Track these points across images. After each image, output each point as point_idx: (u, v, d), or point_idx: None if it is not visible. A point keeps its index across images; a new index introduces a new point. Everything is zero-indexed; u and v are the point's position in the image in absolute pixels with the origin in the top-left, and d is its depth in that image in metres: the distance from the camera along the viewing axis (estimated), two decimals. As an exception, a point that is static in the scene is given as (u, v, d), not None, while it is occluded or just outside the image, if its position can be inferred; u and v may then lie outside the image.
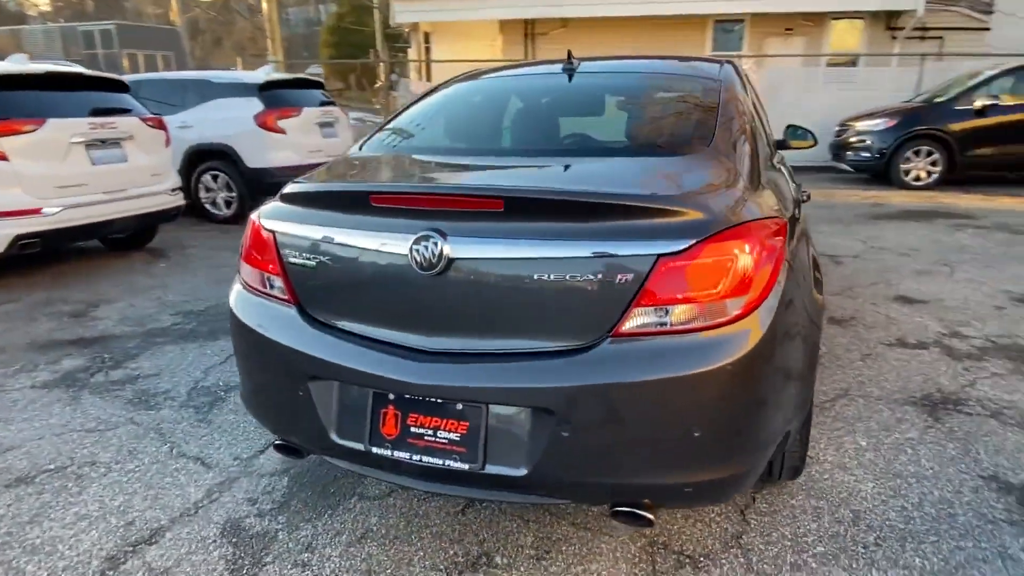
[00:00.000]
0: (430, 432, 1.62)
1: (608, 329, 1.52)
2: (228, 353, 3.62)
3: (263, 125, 7.27)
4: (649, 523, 1.59)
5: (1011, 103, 8.59)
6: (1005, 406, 2.87)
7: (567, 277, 1.51)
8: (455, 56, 13.94)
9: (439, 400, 1.60)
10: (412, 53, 15.75)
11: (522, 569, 1.94)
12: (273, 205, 1.93)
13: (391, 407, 1.66)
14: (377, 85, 14.19)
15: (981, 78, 8.97)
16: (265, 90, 7.44)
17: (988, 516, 2.14)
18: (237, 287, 2.03)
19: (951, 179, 8.90)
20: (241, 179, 7.33)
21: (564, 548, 2.03)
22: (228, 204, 7.51)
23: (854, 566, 1.93)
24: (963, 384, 3.10)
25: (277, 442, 1.97)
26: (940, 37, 12.54)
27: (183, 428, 2.82)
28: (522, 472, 1.55)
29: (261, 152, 7.28)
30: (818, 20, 12.97)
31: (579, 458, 1.53)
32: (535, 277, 1.53)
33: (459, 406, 1.59)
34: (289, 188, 1.92)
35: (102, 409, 2.99)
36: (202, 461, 2.56)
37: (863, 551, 1.99)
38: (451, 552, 2.02)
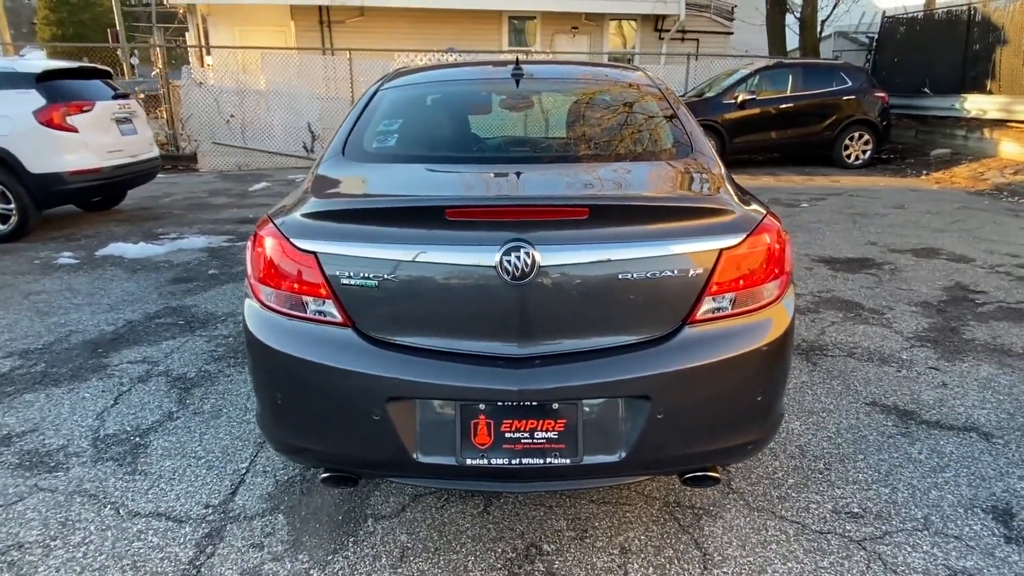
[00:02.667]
0: (527, 435, 1.67)
1: (685, 317, 1.71)
2: (115, 393, 3.15)
3: (48, 123, 6.14)
4: (717, 482, 1.82)
5: (763, 97, 10.35)
6: (853, 346, 3.62)
7: (648, 275, 1.67)
8: (238, 42, 12.87)
9: (535, 403, 1.66)
10: (190, 37, 14.17)
11: (572, 550, 2.07)
12: (306, 223, 1.76)
13: (482, 416, 1.67)
14: (154, 73, 12.56)
15: (738, 76, 10.66)
16: (44, 81, 6.28)
17: (887, 433, 2.74)
18: (258, 312, 1.83)
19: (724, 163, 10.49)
20: (23, 188, 6.13)
21: (597, 524, 2.19)
22: (4, 219, 6.24)
23: (821, 488, 2.36)
24: (817, 333, 3.83)
25: (326, 475, 1.84)
26: (696, 39, 14.57)
27: (115, 485, 2.43)
28: (619, 457, 1.69)
29: (48, 155, 6.15)
30: (599, 20, 14.27)
31: (672, 435, 1.70)
32: (619, 277, 1.66)
33: (555, 405, 1.66)
34: (330, 206, 1.79)
35: (-16, 481, 2.45)
36: (167, 517, 2.25)
37: (820, 475, 2.44)
38: (499, 551, 2.07)
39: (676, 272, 1.68)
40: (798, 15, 13.81)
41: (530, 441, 1.67)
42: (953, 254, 5.51)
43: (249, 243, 1.91)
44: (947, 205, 7.77)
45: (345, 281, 1.71)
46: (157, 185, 9.22)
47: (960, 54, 10.95)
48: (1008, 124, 9.87)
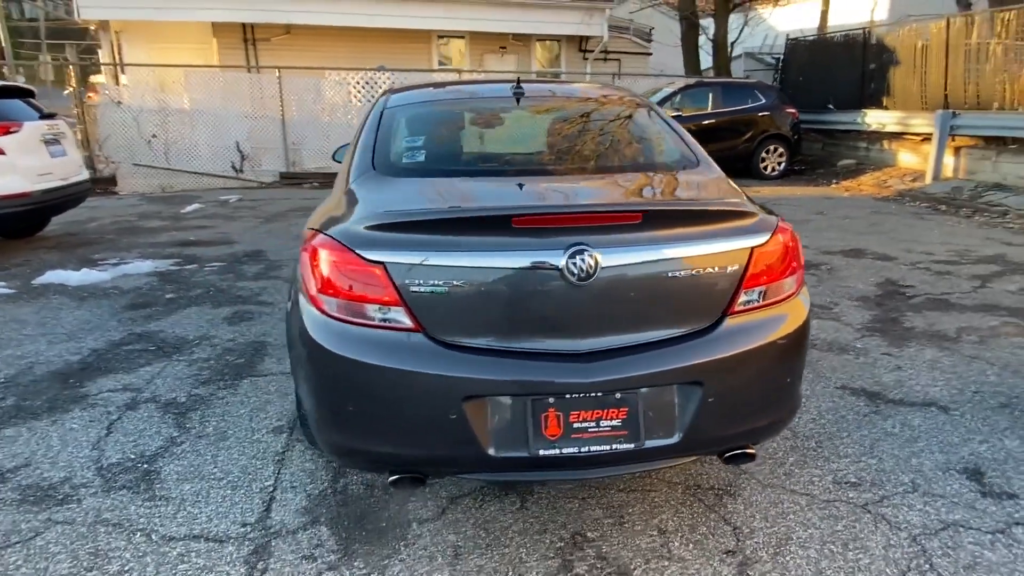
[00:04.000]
0: (593, 424, 1.80)
1: (725, 309, 1.90)
2: (105, 422, 3.03)
3: (-28, 145, 5.76)
4: (754, 458, 2.01)
5: (688, 114, 10.97)
6: (813, 338, 3.96)
7: (693, 272, 1.85)
8: (156, 60, 12.36)
9: (599, 394, 1.80)
10: (103, 55, 13.45)
11: (615, 535, 2.20)
12: (372, 235, 1.82)
13: (551, 410, 1.79)
14: (66, 92, 11.83)
15: (663, 94, 11.25)
16: (-36, 100, 5.89)
17: (861, 412, 3.05)
18: (322, 322, 1.87)
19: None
20: (-55, 214, 5.71)
21: (631, 510, 2.34)
22: (-79, 248, 5.77)
23: (818, 463, 2.61)
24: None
25: (396, 477, 1.90)
26: (619, 59, 15.23)
27: (138, 512, 2.36)
28: (676, 439, 1.84)
29: (-28, 179, 5.76)
30: (526, 41, 14.67)
31: (720, 417, 1.88)
32: (668, 275, 1.83)
33: (618, 395, 1.80)
34: (396, 217, 1.86)
35: (-11, 520, 2.32)
36: (205, 538, 2.22)
37: (815, 452, 2.70)
38: (547, 541, 2.18)
39: (717, 269, 1.87)
40: (711, 37, 14.71)
41: (597, 430, 1.80)
42: (877, 254, 6.08)
43: (305, 256, 1.95)
44: (861, 211, 8.51)
45: (415, 289, 1.79)
46: (78, 209, 8.72)
47: (858, 73, 12.02)
48: (904, 136, 10.93)
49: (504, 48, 14.56)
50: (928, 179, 9.67)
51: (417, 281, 1.79)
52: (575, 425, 1.80)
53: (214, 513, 2.35)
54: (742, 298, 1.91)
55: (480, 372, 1.77)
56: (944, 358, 3.65)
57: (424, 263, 1.78)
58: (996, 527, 2.22)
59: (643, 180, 2.26)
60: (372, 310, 1.82)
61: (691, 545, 2.15)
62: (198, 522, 2.31)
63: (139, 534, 2.24)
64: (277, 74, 11.79)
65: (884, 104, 11.46)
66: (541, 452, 1.79)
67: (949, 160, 9.51)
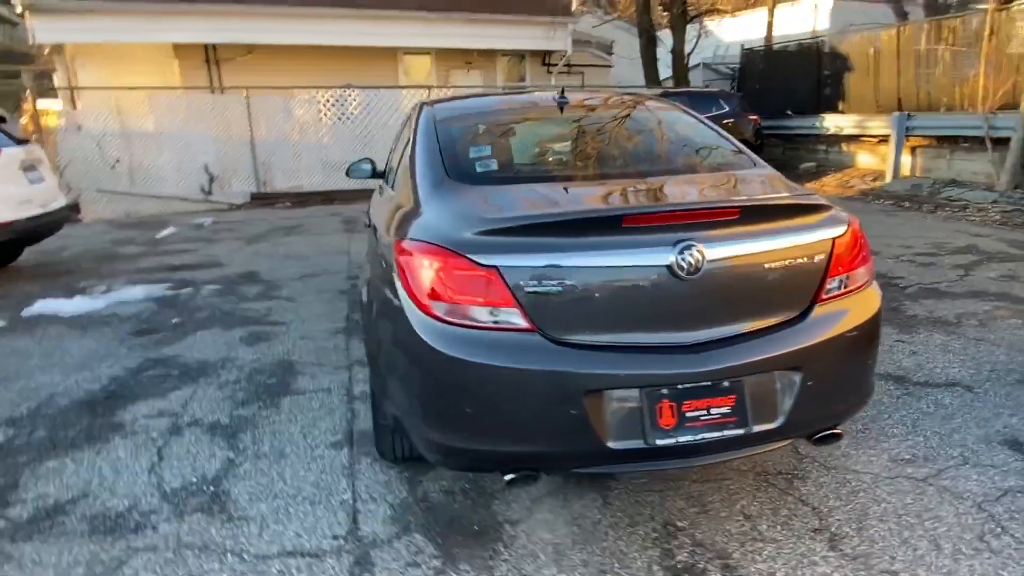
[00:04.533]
0: (704, 412, 1.88)
1: (813, 297, 2.01)
2: (152, 449, 2.96)
3: (-49, 173, 5.53)
4: (841, 437, 2.12)
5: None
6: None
7: (787, 262, 1.96)
8: (115, 82, 12.00)
9: (709, 383, 1.88)
10: (59, 78, 12.99)
11: (703, 522, 2.28)
12: (483, 240, 1.87)
13: (665, 400, 1.86)
14: (20, 118, 11.38)
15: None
16: (-62, 127, 5.66)
17: (894, 395, 3.22)
18: (432, 327, 1.89)
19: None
20: (-78, 247, 5.45)
21: (711, 499, 2.43)
22: None
23: (870, 444, 2.75)
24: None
25: (512, 476, 1.93)
26: (582, 72, 15.54)
27: (221, 533, 2.33)
28: (779, 423, 1.94)
29: (-49, 209, 5.52)
30: (491, 56, 14.84)
31: (816, 399, 1.98)
32: (764, 266, 1.94)
33: (726, 383, 1.89)
34: (506, 223, 1.91)
35: (63, 554, 2.24)
36: (300, 554, 2.20)
37: (864, 435, 2.84)
38: (642, 532, 2.24)
39: (806, 259, 1.99)
40: (670, 49, 15.15)
41: (708, 418, 1.88)
42: (860, 249, 6.37)
43: (411, 263, 1.98)
44: (831, 210, 8.89)
45: (529, 290, 1.84)
46: (48, 238, 8.42)
47: (814, 80, 12.59)
48: (861, 139, 11.47)
49: (470, 64, 14.70)
50: (888, 178, 10.18)
51: (531, 283, 1.84)
52: (688, 414, 1.87)
53: (301, 529, 2.34)
54: (828, 286, 2.03)
55: (598, 367, 1.83)
56: (953, 342, 3.87)
57: (536, 264, 1.83)
58: (1053, 489, 2.39)
59: (721, 179, 2.37)
60: (486, 313, 1.87)
61: (778, 527, 2.24)
62: (287, 539, 2.29)
63: (230, 555, 2.21)
64: (244, 94, 11.64)
65: (840, 108, 12.02)
66: (658, 442, 1.86)
67: (906, 159, 10.04)
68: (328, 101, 12.28)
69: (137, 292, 5.82)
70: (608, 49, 15.94)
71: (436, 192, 2.28)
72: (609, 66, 16.08)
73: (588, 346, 1.87)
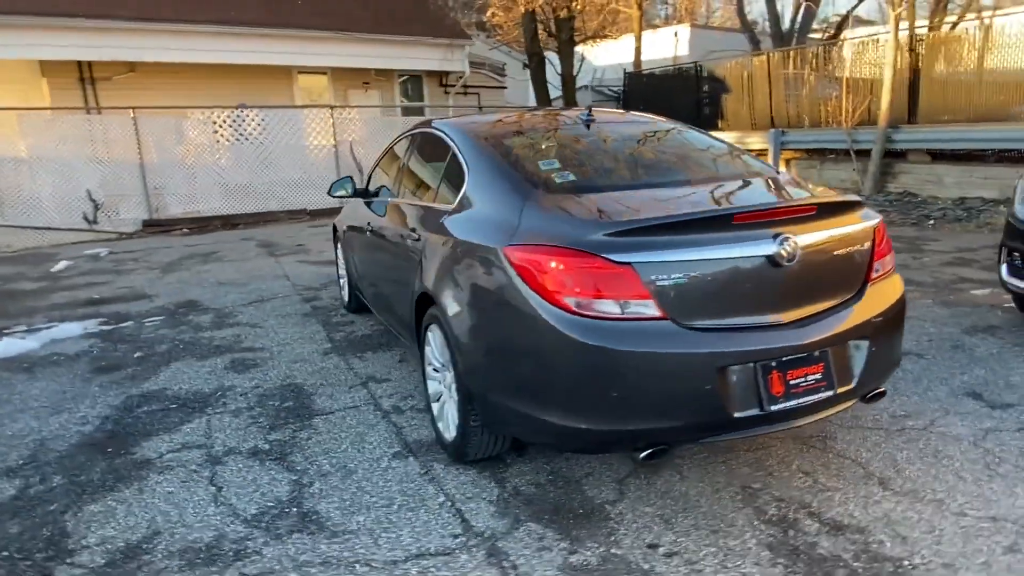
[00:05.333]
0: (802, 379, 2.21)
1: (866, 277, 2.42)
2: (203, 480, 2.85)
3: None
4: (884, 395, 2.54)
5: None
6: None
7: (849, 249, 2.35)
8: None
9: (807, 354, 2.21)
10: None
11: (773, 483, 2.61)
12: (616, 240, 2.08)
13: (775, 372, 2.16)
14: None
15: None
16: None
17: (867, 365, 3.76)
18: (572, 321, 2.07)
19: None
20: None
21: (769, 463, 2.76)
22: None
23: (867, 407, 3.23)
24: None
25: (648, 451, 2.14)
26: (478, 93, 15.96)
27: (332, 548, 2.33)
28: (854, 385, 2.31)
29: None
30: (389, 76, 14.85)
31: (877, 364, 2.37)
32: (836, 252, 2.32)
33: (816, 353, 2.23)
34: (634, 225, 2.13)
35: (173, 587, 2.15)
36: (432, 554, 2.27)
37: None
38: (729, 496, 2.52)
39: (861, 245, 2.39)
40: (559, 72, 15.97)
41: (806, 384, 2.21)
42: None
43: (539, 266, 2.14)
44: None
45: (660, 283, 2.08)
46: (-84, 278, 7.39)
47: (694, 101, 13.85)
48: (740, 153, 12.75)
49: (368, 84, 14.62)
50: (768, 187, 11.42)
51: (660, 276, 2.09)
52: (791, 382, 2.19)
53: (415, 533, 2.39)
54: (875, 268, 2.45)
55: (724, 346, 2.11)
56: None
57: (664, 260, 2.08)
58: (1017, 425, 2.97)
59: (770, 182, 2.74)
60: (622, 305, 2.08)
61: (834, 478, 2.62)
62: (406, 544, 2.34)
63: (359, 565, 2.23)
64: (132, 114, 10.85)
65: (719, 126, 13.30)
66: (772, 408, 2.16)
67: (782, 171, 11.32)
68: (225, 122, 11.73)
69: (71, 329, 5.35)
70: (501, 71, 16.52)
71: (531, 201, 2.45)
72: (503, 87, 16.64)
73: (711, 329, 2.14)
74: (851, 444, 2.88)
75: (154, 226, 11.18)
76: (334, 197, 4.70)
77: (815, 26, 18.49)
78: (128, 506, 2.67)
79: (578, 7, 13.88)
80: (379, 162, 4.60)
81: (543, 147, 2.98)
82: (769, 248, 2.17)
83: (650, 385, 2.09)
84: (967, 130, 8.79)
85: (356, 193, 4.61)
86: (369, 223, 4.06)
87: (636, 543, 2.28)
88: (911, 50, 9.57)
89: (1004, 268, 4.02)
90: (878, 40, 10.17)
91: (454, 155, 3.05)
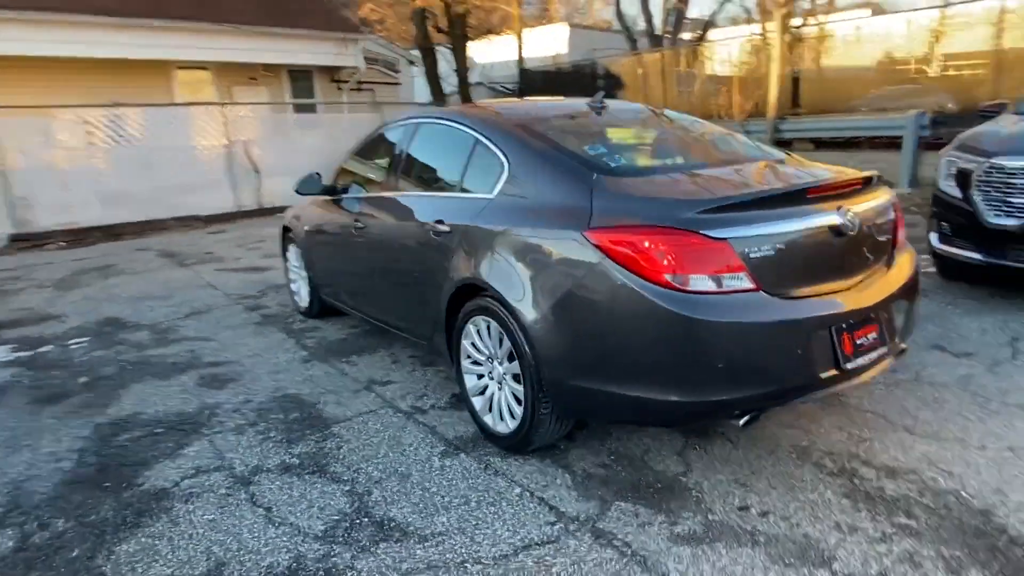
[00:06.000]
0: (865, 338, 2.40)
1: (893, 245, 2.67)
2: (243, 505, 2.62)
3: None
4: (907, 351, 2.82)
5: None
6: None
7: (887, 217, 2.60)
8: None
9: (866, 316, 2.41)
10: None
11: (819, 440, 2.82)
12: (711, 218, 2.16)
13: (845, 333, 2.34)
14: None
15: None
16: None
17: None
18: (675, 296, 2.13)
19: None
20: None
21: (809, 425, 2.98)
22: None
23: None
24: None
25: (747, 418, 2.24)
26: (372, 89, 15.51)
27: (433, 551, 2.24)
28: (900, 341, 2.56)
29: None
30: (277, 71, 14.07)
31: (911, 323, 2.65)
32: (879, 221, 2.55)
33: (873, 314, 2.44)
34: (724, 202, 2.22)
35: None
36: (536, 544, 2.24)
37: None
38: (785, 454, 2.70)
39: (891, 215, 2.64)
40: (454, 68, 15.94)
41: (868, 342, 2.41)
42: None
43: (639, 245, 2.18)
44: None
45: (752, 256, 2.19)
46: None
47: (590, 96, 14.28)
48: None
49: (254, 79, 13.78)
50: (668, 177, 12.11)
51: (752, 249, 2.19)
52: (858, 341, 2.39)
53: (509, 526, 2.35)
54: (899, 237, 2.72)
55: (809, 312, 2.26)
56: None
57: (755, 234, 2.20)
58: (985, 369, 3.40)
59: (797, 162, 2.93)
60: (721, 279, 2.17)
61: (866, 430, 2.88)
62: (505, 537, 2.29)
63: (469, 564, 2.17)
64: (-14, 115, 9.51)
65: (616, 120, 13.88)
66: (846, 366, 2.34)
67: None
68: (100, 122, 10.59)
69: (-13, 356, 4.64)
70: (394, 67, 16.18)
71: (599, 185, 2.47)
72: (397, 83, 16.32)
73: (796, 297, 2.28)
74: (863, 399, 3.17)
75: (23, 241, 9.88)
76: (302, 195, 4.44)
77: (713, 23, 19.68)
78: (170, 541, 2.40)
79: (474, 2, 13.89)
80: (352, 158, 4.39)
81: (581, 133, 3.01)
82: (835, 219, 2.35)
83: (752, 354, 2.20)
84: (842, 120, 9.84)
85: (324, 191, 4.38)
86: (356, 220, 3.87)
87: (727, 508, 2.39)
88: (791, 49, 10.55)
89: (935, 236, 4.56)
90: (765, 37, 11.11)
91: (481, 144, 3.00)
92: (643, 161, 2.79)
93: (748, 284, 2.20)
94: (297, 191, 4.38)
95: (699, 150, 3.06)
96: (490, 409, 2.91)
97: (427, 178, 3.52)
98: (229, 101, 12.77)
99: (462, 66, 15.84)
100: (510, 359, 2.73)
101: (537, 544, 2.24)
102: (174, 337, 4.92)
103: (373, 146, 4.19)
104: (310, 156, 12.29)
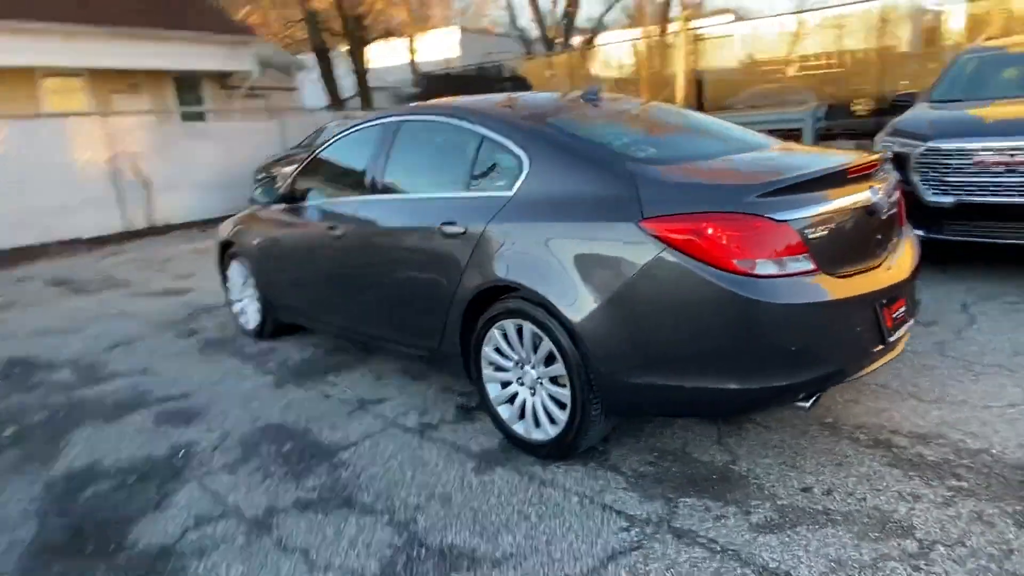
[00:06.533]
0: (898, 312, 2.49)
1: (900, 222, 2.80)
2: (295, 554, 2.33)
3: None
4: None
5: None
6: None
7: (894, 196, 2.71)
8: None
9: (898, 291, 2.50)
10: None
11: (854, 413, 2.91)
12: (772, 200, 2.15)
13: (885, 308, 2.41)
14: None
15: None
16: None
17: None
18: (747, 284, 2.09)
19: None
20: None
21: (833, 396, 3.06)
22: None
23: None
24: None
25: (812, 400, 2.25)
26: (265, 95, 14.66)
27: (523, 572, 2.07)
28: (916, 312, 2.67)
29: None
30: (160, 77, 12.96)
31: (919, 296, 2.77)
32: (890, 200, 2.64)
33: (901, 289, 2.53)
34: (780, 184, 2.21)
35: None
36: (621, 552, 2.13)
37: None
38: (818, 434, 2.75)
39: (896, 194, 2.76)
40: (353, 70, 15.42)
41: (899, 316, 2.50)
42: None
43: (703, 232, 2.13)
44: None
45: (810, 236, 2.20)
46: None
47: (497, 98, 14.30)
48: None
49: (135, 86, 12.62)
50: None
51: (809, 230, 2.21)
52: (894, 315, 2.47)
53: (584, 537, 2.23)
54: (903, 214, 2.85)
55: (862, 289, 2.30)
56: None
57: (811, 214, 2.21)
58: (954, 335, 3.66)
59: (802, 148, 3.00)
60: (785, 262, 2.16)
61: (880, 401, 2.99)
62: (584, 550, 2.17)
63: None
64: None
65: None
66: (889, 339, 2.41)
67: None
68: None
69: None
70: (289, 71, 15.40)
71: (641, 175, 2.39)
72: (293, 88, 15.55)
73: (850, 274, 2.33)
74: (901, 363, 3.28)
75: None
76: (259, 204, 4.07)
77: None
78: (204, 604, 2.08)
79: (378, 5, 13.51)
80: (310, 164, 4.06)
81: (596, 125, 2.93)
82: (869, 197, 2.42)
83: (819, 335, 2.21)
84: (746, 115, 10.41)
85: (282, 199, 4.04)
86: (331, 228, 3.57)
87: (789, 491, 2.39)
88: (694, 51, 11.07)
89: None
90: (664, 38, 11.57)
91: (490, 141, 2.85)
92: (670, 149, 2.76)
93: (809, 265, 2.21)
94: (253, 200, 4.00)
95: (720, 138, 3.05)
96: (521, 417, 2.77)
97: (422, 180, 3.30)
98: (109, 111, 11.62)
99: (361, 69, 15.36)
100: (546, 362, 2.61)
101: (621, 552, 2.14)
102: (104, 373, 4.36)
103: (339, 149, 3.90)
104: (207, 168, 11.49)
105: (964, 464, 2.46)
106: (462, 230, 2.81)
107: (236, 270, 4.77)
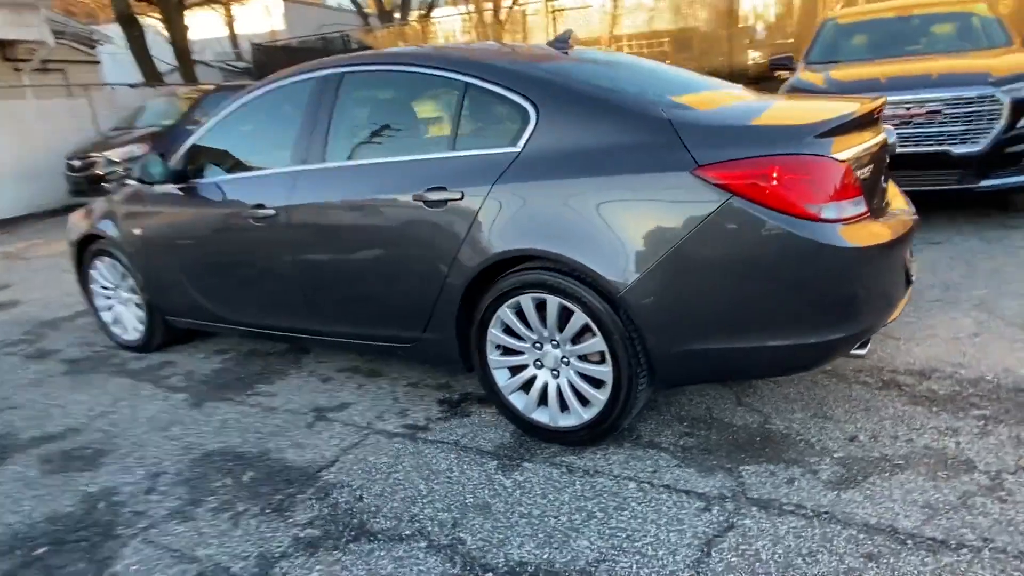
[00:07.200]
0: (912, 254, 2.53)
1: (887, 180, 2.84)
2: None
3: None
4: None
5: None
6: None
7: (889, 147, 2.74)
8: None
9: (912, 233, 2.50)
10: None
11: (856, 362, 2.94)
12: (829, 141, 2.03)
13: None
14: None
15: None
16: None
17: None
18: (813, 227, 1.95)
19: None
20: None
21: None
22: None
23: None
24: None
25: (863, 348, 2.19)
26: (62, 69, 12.39)
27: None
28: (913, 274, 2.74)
29: None
30: (-83, 47, 10.41)
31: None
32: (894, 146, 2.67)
33: (912, 231, 2.56)
34: (828, 125, 2.08)
35: None
36: (724, 529, 1.93)
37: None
38: (845, 392, 2.76)
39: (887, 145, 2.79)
40: (170, 41, 13.57)
41: (913, 257, 2.55)
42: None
43: (770, 176, 1.95)
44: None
45: (860, 177, 2.12)
46: None
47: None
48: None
49: None
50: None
51: (859, 171, 2.12)
52: (911, 256, 2.50)
53: (665, 527, 1.99)
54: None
55: (902, 231, 2.26)
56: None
57: (857, 155, 2.13)
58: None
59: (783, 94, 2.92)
60: (847, 205, 2.04)
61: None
62: (674, 540, 1.94)
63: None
64: None
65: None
66: (912, 279, 2.43)
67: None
68: None
69: None
70: (90, 41, 13.15)
71: (680, 118, 2.16)
72: (96, 61, 13.33)
73: (888, 217, 2.29)
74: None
75: None
76: (147, 184, 3.28)
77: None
78: None
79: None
80: (211, 132, 3.33)
81: (597, 70, 2.64)
82: (891, 137, 2.41)
83: (882, 279, 2.16)
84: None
85: (176, 177, 3.29)
86: (257, 208, 2.95)
87: (838, 443, 2.33)
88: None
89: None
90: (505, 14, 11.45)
91: (480, 90, 2.45)
92: (682, 95, 2.55)
93: (863, 208, 2.13)
94: (140, 180, 3.21)
95: (706, 84, 2.90)
96: (541, 403, 2.46)
97: (384, 142, 2.79)
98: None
99: (181, 40, 13.54)
100: (574, 339, 2.32)
101: (717, 535, 1.93)
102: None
103: (253, 113, 3.23)
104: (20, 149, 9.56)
105: (975, 393, 2.56)
106: (457, 196, 2.40)
107: (104, 271, 3.87)
